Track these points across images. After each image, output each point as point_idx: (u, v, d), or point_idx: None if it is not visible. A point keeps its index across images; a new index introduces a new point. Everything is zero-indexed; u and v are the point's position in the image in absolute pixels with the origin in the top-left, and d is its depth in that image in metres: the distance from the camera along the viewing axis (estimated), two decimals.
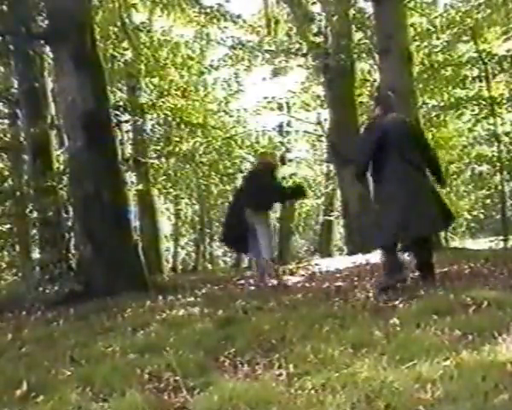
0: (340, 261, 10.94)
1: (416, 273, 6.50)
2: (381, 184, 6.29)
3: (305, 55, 16.48)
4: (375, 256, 8.19)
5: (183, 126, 16.04)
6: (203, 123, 16.35)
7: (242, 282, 9.16)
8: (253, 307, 6.03)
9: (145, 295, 7.55)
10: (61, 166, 12.39)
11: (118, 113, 12.66)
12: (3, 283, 16.35)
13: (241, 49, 16.95)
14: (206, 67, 17.09)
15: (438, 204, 6.31)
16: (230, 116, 18.32)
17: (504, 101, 15.51)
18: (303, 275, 9.47)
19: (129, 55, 15.31)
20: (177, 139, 16.47)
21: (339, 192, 17.63)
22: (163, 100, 15.91)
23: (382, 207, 6.28)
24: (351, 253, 13.41)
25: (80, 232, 9.25)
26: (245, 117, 18.68)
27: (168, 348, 4.27)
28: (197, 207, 23.14)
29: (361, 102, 16.26)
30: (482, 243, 17.05)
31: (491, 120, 15.54)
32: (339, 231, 22.82)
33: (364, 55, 15.74)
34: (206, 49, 17.21)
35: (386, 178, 6.21)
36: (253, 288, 8.31)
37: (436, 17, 15.78)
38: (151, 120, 16.62)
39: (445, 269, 7.54)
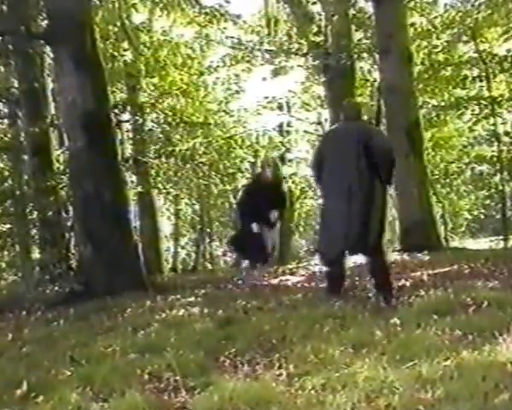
0: None
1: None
2: (324, 194, 6.28)
3: (305, 55, 16.49)
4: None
5: (182, 126, 16.03)
6: (203, 121, 16.36)
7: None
8: (254, 307, 6.03)
9: (145, 295, 7.54)
10: (61, 166, 12.41)
11: (118, 112, 12.64)
12: (3, 283, 16.38)
13: (240, 49, 16.95)
14: (206, 68, 17.10)
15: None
16: (230, 116, 18.32)
17: (504, 101, 15.53)
18: (303, 275, 9.46)
19: (129, 55, 15.30)
20: (178, 137, 16.47)
21: None
22: (163, 99, 15.91)
23: (322, 218, 6.26)
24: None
25: (80, 232, 9.24)
26: (245, 117, 18.69)
27: (168, 348, 4.26)
28: (197, 207, 23.14)
29: (361, 102, 16.24)
30: (482, 243, 17.05)
31: (492, 120, 15.56)
32: None
33: (364, 55, 15.75)
34: (206, 49, 17.22)
35: (324, 189, 6.21)
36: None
37: (436, 17, 15.80)
38: (152, 121, 16.62)
39: (445, 269, 7.55)
